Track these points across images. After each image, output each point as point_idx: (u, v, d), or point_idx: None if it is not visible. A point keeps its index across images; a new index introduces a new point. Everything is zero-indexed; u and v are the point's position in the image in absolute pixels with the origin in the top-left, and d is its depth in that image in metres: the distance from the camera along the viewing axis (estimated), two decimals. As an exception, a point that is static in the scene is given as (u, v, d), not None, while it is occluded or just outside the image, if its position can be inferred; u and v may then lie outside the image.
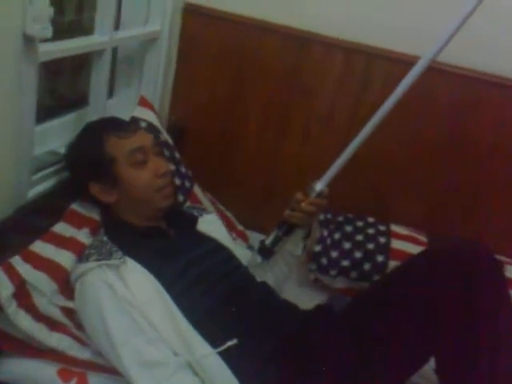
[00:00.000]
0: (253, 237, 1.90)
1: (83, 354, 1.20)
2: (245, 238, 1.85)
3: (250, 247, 1.82)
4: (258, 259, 1.41)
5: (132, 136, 1.30)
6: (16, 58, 1.13)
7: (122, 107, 1.77)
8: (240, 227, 1.88)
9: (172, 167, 1.60)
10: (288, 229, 1.37)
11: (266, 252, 1.39)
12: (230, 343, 1.15)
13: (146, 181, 1.29)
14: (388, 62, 1.75)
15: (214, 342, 1.15)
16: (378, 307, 1.26)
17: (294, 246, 1.44)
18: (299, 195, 1.33)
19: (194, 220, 1.46)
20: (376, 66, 1.77)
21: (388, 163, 1.80)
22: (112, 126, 1.32)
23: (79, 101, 1.72)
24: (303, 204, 1.32)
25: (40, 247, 1.23)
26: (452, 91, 1.73)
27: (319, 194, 1.32)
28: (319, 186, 1.32)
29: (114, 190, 1.30)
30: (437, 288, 1.17)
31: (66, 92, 1.79)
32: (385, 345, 1.20)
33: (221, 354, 1.14)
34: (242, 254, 1.51)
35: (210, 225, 1.50)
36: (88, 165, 1.30)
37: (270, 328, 1.25)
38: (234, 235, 1.79)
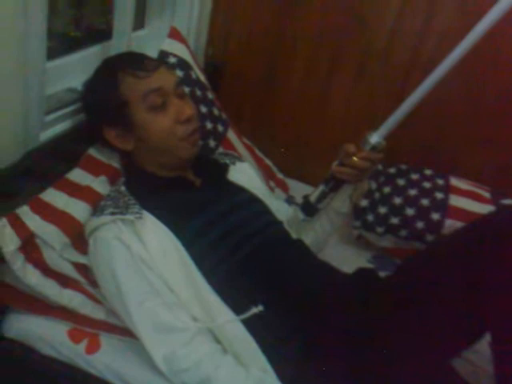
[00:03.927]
0: (293, 186, 1.75)
1: (97, 313, 1.11)
2: (284, 188, 1.70)
3: (290, 198, 1.68)
4: (301, 216, 1.27)
5: (150, 75, 1.13)
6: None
7: (153, 39, 1.61)
8: (280, 175, 1.72)
9: (203, 109, 1.44)
10: (335, 184, 1.21)
11: (309, 209, 1.24)
12: (254, 310, 1.03)
13: (164, 127, 1.13)
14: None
15: (237, 308, 1.03)
16: (429, 276, 1.08)
17: (340, 203, 1.28)
18: (351, 147, 1.16)
19: (224, 169, 1.31)
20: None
21: (451, 112, 1.57)
22: (130, 63, 1.15)
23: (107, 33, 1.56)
24: (355, 158, 1.15)
25: (52, 196, 1.12)
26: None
27: (374, 148, 1.14)
28: (375, 138, 1.14)
29: (131, 137, 1.15)
30: (497, 259, 0.99)
31: (93, 23, 1.64)
32: (433, 318, 1.04)
33: (244, 321, 1.02)
34: (279, 207, 1.37)
35: (243, 174, 1.35)
36: (101, 107, 1.16)
37: (302, 294, 1.11)
38: (273, 184, 1.64)
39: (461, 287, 1.02)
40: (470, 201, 1.45)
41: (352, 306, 1.10)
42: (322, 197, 1.23)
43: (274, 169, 1.71)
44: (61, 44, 1.48)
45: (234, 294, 1.05)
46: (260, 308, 1.03)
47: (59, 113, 1.24)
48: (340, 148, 1.21)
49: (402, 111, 1.14)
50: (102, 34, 1.58)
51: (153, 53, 1.46)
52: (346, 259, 1.45)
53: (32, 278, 1.04)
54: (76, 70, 1.36)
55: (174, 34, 1.50)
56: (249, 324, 1.02)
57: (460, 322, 1.02)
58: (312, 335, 1.05)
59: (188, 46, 1.52)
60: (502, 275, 0.98)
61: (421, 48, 1.57)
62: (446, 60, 1.08)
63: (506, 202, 1.46)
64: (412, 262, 1.17)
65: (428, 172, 1.54)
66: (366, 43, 1.62)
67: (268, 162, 1.69)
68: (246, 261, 1.10)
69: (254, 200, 1.27)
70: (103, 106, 1.16)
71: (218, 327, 1.02)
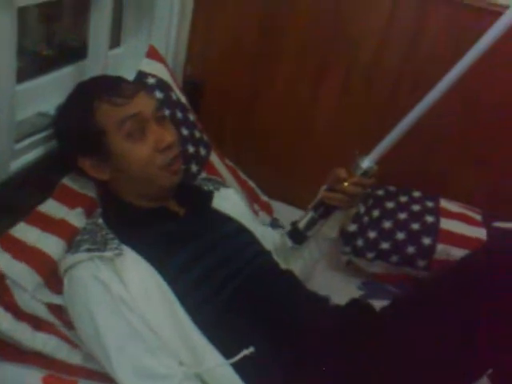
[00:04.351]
0: (278, 208, 1.69)
1: (73, 357, 1.03)
2: (269, 210, 1.64)
3: (274, 220, 1.62)
4: (289, 243, 1.21)
5: (128, 102, 1.06)
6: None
7: (130, 58, 1.54)
8: (264, 198, 1.66)
9: (185, 132, 1.37)
10: (325, 211, 1.15)
11: (298, 236, 1.19)
12: (245, 352, 0.96)
13: (143, 156, 1.06)
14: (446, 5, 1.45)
15: (226, 350, 0.97)
16: (429, 312, 1.03)
17: (330, 229, 1.23)
18: (342, 172, 1.11)
19: (209, 196, 1.25)
20: (432, 7, 1.47)
21: (440, 130, 1.52)
22: (106, 88, 1.08)
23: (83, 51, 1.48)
24: (346, 184, 1.10)
25: (23, 231, 1.04)
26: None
27: (365, 173, 1.10)
28: (366, 162, 1.10)
29: (108, 166, 1.08)
30: (498, 294, 0.95)
31: (66, 40, 1.56)
32: (436, 356, 0.99)
33: (234, 364, 0.95)
34: (264, 234, 1.30)
35: (228, 201, 1.28)
36: (76, 136, 1.09)
37: (295, 331, 1.04)
38: (258, 207, 1.58)
39: (456, 326, 0.98)
40: (461, 224, 1.41)
41: (346, 345, 1.04)
42: (312, 224, 1.18)
43: (258, 191, 1.65)
44: (31, 64, 1.40)
45: (222, 335, 0.98)
46: (251, 349, 0.96)
47: (30, 140, 1.16)
48: (330, 172, 1.16)
49: (394, 135, 1.11)
50: (76, 52, 1.50)
51: (130, 72, 1.39)
52: (335, 286, 1.40)
53: (3, 322, 0.95)
54: (48, 92, 1.28)
55: (153, 53, 1.43)
56: (239, 367, 0.96)
57: (458, 362, 0.98)
58: (305, 377, 0.99)
59: (167, 66, 1.45)
60: (497, 308, 0.94)
61: (407, 63, 1.54)
62: (440, 83, 1.06)
63: (498, 224, 1.43)
64: (406, 299, 1.12)
65: (416, 194, 1.49)
66: (351, 59, 1.58)
67: (252, 184, 1.63)
68: (233, 298, 1.03)
69: (240, 230, 1.21)
70: (78, 135, 1.08)
71: (206, 371, 0.96)
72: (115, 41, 1.56)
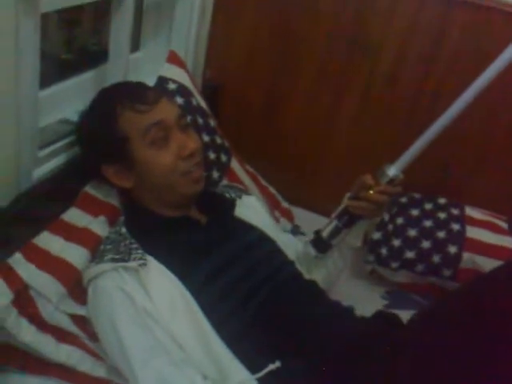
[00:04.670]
0: (298, 214, 1.67)
1: (97, 370, 1.01)
2: (290, 217, 1.61)
3: (295, 227, 1.59)
4: (312, 252, 1.18)
5: (151, 109, 1.05)
6: (11, 9, 0.89)
7: (149, 62, 1.52)
8: (285, 204, 1.63)
9: (206, 138, 1.35)
10: (350, 219, 1.13)
11: (322, 245, 1.16)
12: (271, 367, 0.93)
13: (166, 164, 1.04)
14: (469, 8, 1.42)
15: (252, 364, 0.94)
16: (455, 325, 1.00)
17: (354, 239, 1.20)
18: (369, 179, 1.09)
19: (231, 204, 1.23)
20: (454, 14, 1.44)
21: (463, 136, 1.49)
22: (129, 95, 1.06)
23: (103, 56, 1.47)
24: (371, 192, 1.07)
25: (47, 241, 1.02)
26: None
27: (391, 181, 1.07)
28: (392, 170, 1.07)
29: (131, 174, 1.07)
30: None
31: (86, 45, 1.55)
32: (459, 371, 0.96)
33: (260, 379, 0.93)
34: (287, 241, 1.28)
35: (251, 209, 1.26)
36: (99, 144, 1.07)
37: (321, 344, 1.02)
38: (278, 214, 1.55)
39: (480, 341, 0.95)
40: (487, 232, 1.38)
41: (373, 358, 1.01)
42: (336, 232, 1.16)
43: (279, 197, 1.62)
44: (52, 68, 1.39)
45: (247, 349, 0.96)
46: (277, 364, 0.94)
47: (53, 147, 1.15)
48: (356, 179, 1.13)
49: (420, 144, 1.08)
50: (96, 56, 1.49)
51: (149, 77, 1.38)
52: (359, 295, 1.38)
53: (27, 334, 0.94)
54: (69, 98, 1.26)
55: (173, 58, 1.41)
56: (264, 382, 0.93)
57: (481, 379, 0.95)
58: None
59: (187, 71, 1.43)
60: None
61: (430, 68, 1.51)
62: (466, 92, 1.03)
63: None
64: (434, 312, 1.09)
65: (442, 201, 1.46)
66: (373, 65, 1.55)
67: (272, 190, 1.61)
68: (259, 310, 1.01)
69: (263, 239, 1.18)
70: (101, 142, 1.07)
71: None
72: (134, 45, 1.54)
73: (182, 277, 0.99)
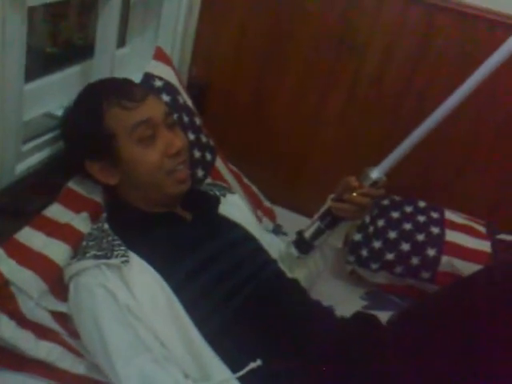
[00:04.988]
0: (280, 213, 1.68)
1: (77, 367, 1.01)
2: (272, 216, 1.62)
3: (277, 226, 1.60)
4: (294, 253, 1.19)
5: (138, 106, 1.04)
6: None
7: (135, 58, 1.52)
8: (267, 203, 1.64)
9: (191, 136, 1.35)
10: (332, 221, 1.14)
11: (304, 246, 1.17)
12: (253, 365, 0.94)
13: (152, 162, 1.04)
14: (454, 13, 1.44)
15: (233, 363, 0.94)
16: (433, 327, 1.02)
17: (336, 240, 1.22)
18: (353, 181, 1.10)
19: (215, 201, 1.23)
20: (439, 17, 1.46)
21: (444, 139, 1.52)
22: (116, 91, 1.06)
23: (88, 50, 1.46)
24: (354, 194, 1.08)
25: (28, 236, 1.01)
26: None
27: (375, 183, 1.08)
28: (376, 173, 1.08)
29: (117, 171, 1.06)
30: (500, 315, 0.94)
31: (71, 39, 1.53)
32: (439, 371, 0.98)
33: (241, 378, 0.93)
34: (270, 241, 1.29)
35: (234, 207, 1.27)
36: (84, 140, 1.07)
37: (302, 343, 1.03)
38: (261, 213, 1.56)
39: (458, 342, 0.97)
40: (466, 236, 1.40)
41: (353, 358, 1.03)
42: (318, 234, 1.17)
43: (261, 196, 1.63)
44: (36, 62, 1.37)
45: (229, 347, 0.96)
46: (258, 362, 0.95)
47: (36, 141, 1.14)
48: (340, 181, 1.14)
49: (404, 147, 1.10)
50: (81, 51, 1.47)
51: (135, 73, 1.37)
52: (338, 296, 1.39)
53: (6, 330, 0.93)
54: (54, 92, 1.25)
55: (160, 55, 1.41)
56: (246, 381, 0.93)
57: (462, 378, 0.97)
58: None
59: (174, 68, 1.43)
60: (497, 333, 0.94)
61: (416, 69, 1.53)
62: (451, 97, 1.05)
63: (502, 236, 1.43)
64: (413, 313, 1.11)
65: (422, 204, 1.48)
66: (358, 68, 1.57)
67: (255, 189, 1.62)
68: (241, 308, 1.02)
69: (248, 237, 1.19)
70: (86, 139, 1.06)
71: None
72: (120, 41, 1.53)
73: (163, 273, 0.98)
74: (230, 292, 1.02)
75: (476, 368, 0.94)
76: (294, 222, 1.57)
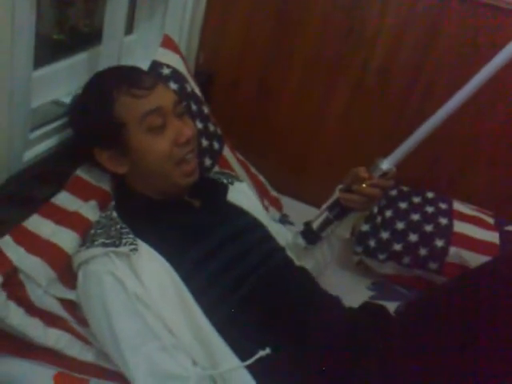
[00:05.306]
0: (287, 203, 1.67)
1: (86, 355, 1.00)
2: (278, 206, 1.62)
3: (283, 216, 1.60)
4: (302, 243, 1.19)
5: (148, 94, 1.03)
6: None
7: (142, 45, 1.51)
8: (273, 193, 1.64)
9: (199, 125, 1.35)
10: (341, 212, 1.13)
11: (311, 236, 1.17)
12: (261, 353, 0.94)
13: (162, 150, 1.03)
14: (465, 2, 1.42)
15: (242, 351, 0.94)
16: (441, 319, 1.02)
17: (343, 230, 1.21)
18: (362, 171, 1.09)
19: (224, 189, 1.22)
20: (449, 6, 1.44)
21: (453, 131, 1.50)
22: (125, 79, 1.05)
23: (94, 37, 1.45)
24: (364, 185, 1.08)
25: (36, 224, 1.01)
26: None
27: (384, 174, 1.07)
28: (386, 164, 1.07)
29: (125, 160, 1.06)
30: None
31: (78, 26, 1.51)
32: (443, 363, 0.98)
33: (250, 367, 0.93)
34: (278, 230, 1.28)
35: (243, 195, 1.26)
36: (94, 128, 1.06)
37: (311, 331, 1.03)
38: (267, 203, 1.56)
39: (457, 340, 0.96)
40: (474, 227, 1.40)
41: (361, 348, 1.03)
42: (326, 224, 1.16)
43: (268, 186, 1.63)
44: (43, 48, 1.36)
45: (238, 336, 0.96)
46: (267, 351, 0.94)
47: (44, 129, 1.13)
48: (349, 172, 1.14)
49: (415, 139, 1.09)
50: (88, 37, 1.46)
51: (142, 60, 1.36)
52: (345, 286, 1.39)
53: (15, 317, 0.92)
54: (61, 79, 1.24)
55: (167, 43, 1.39)
56: (254, 369, 0.93)
57: (466, 371, 0.97)
58: (329, 377, 0.97)
59: (182, 56, 1.42)
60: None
61: (423, 60, 1.51)
62: (461, 90, 1.04)
63: (510, 228, 1.42)
64: (421, 305, 1.11)
65: (430, 195, 1.48)
66: (366, 57, 1.55)
67: (262, 178, 1.61)
68: (250, 296, 1.01)
69: (256, 225, 1.19)
70: (96, 127, 1.05)
71: (221, 374, 0.93)
72: (128, 28, 1.52)
73: (172, 261, 0.98)
74: (238, 280, 1.02)
75: (475, 365, 0.94)
76: (300, 211, 1.57)
